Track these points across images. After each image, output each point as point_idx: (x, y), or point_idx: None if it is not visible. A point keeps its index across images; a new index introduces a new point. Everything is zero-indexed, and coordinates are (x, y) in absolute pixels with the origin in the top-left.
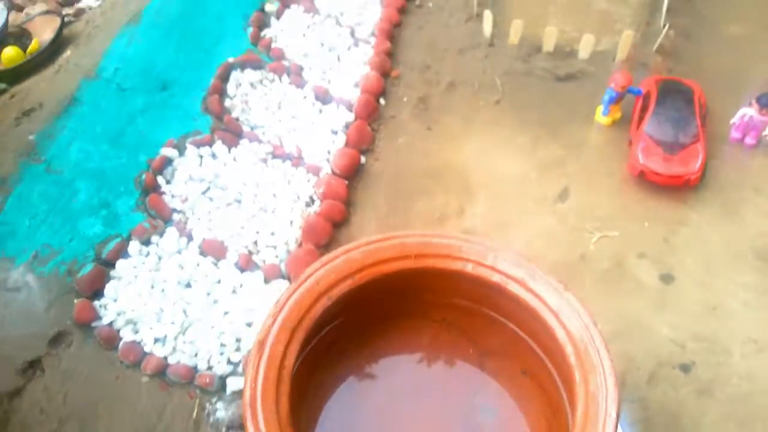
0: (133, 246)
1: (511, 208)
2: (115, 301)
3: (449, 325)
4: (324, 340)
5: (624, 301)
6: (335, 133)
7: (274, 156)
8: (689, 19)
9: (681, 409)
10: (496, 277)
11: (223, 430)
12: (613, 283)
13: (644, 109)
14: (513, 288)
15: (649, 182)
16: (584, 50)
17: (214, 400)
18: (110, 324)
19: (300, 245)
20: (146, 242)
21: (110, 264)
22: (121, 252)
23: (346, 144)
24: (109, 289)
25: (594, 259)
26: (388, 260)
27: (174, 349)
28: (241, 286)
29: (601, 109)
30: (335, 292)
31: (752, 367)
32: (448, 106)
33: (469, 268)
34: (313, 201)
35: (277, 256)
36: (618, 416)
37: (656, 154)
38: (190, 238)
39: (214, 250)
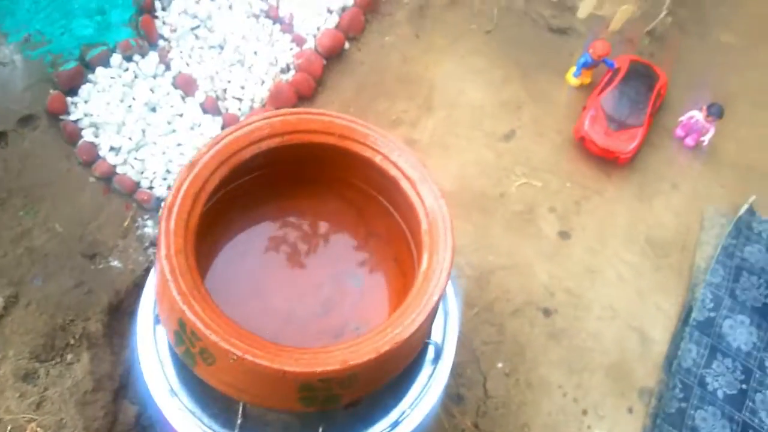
0: (116, 58)
1: (459, 132)
2: (86, 102)
3: (350, 203)
4: (243, 186)
5: (521, 243)
6: (330, 12)
7: (267, 15)
8: (691, 13)
9: (529, 344)
10: (393, 172)
11: (147, 244)
12: (518, 224)
13: (609, 83)
14: (404, 185)
15: (586, 149)
16: (584, 10)
17: (146, 217)
18: (76, 121)
19: (264, 106)
20: (128, 58)
21: (91, 68)
22: (104, 60)
23: (337, 26)
24: (84, 90)
25: (511, 199)
26: (317, 132)
27: (125, 161)
28: (199, 125)
29: (574, 69)
30: (265, 145)
31: (601, 330)
32: (443, 21)
33: (378, 159)
34: (288, 69)
35: (240, 109)
36: (439, 298)
37: (601, 125)
38: (168, 67)
39: (185, 85)
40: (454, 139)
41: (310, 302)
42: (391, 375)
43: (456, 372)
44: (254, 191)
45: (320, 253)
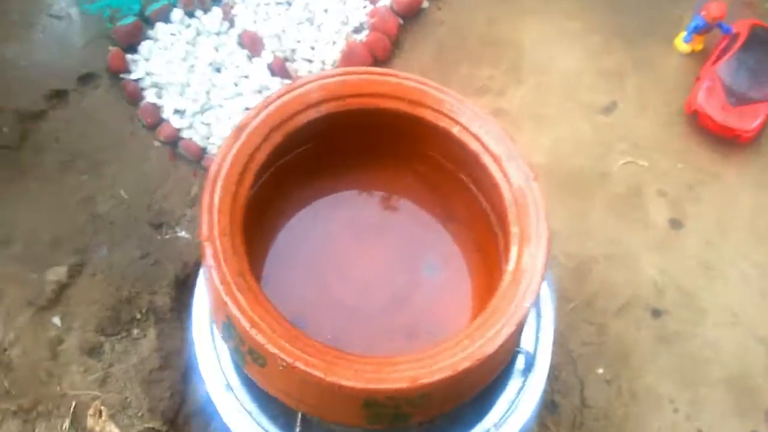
0: (177, 13)
1: (552, 102)
2: (147, 60)
3: (424, 178)
4: (300, 156)
5: (626, 230)
6: None
7: None
8: None
9: (635, 348)
10: (474, 145)
11: None
12: (622, 209)
13: (727, 50)
14: (486, 161)
15: (700, 125)
16: None
17: None
18: (138, 81)
19: (336, 68)
20: (190, 14)
21: (151, 23)
22: (164, 15)
23: None
24: (144, 47)
25: (614, 181)
26: (383, 96)
27: (191, 125)
28: (268, 88)
29: (684, 34)
30: (324, 108)
31: (720, 338)
32: None
33: (456, 130)
34: (362, 28)
35: (310, 71)
36: (531, 305)
37: (718, 99)
38: (232, 24)
39: (252, 44)
40: (547, 110)
41: (379, 294)
42: (472, 393)
43: (550, 375)
44: (313, 162)
45: (391, 236)
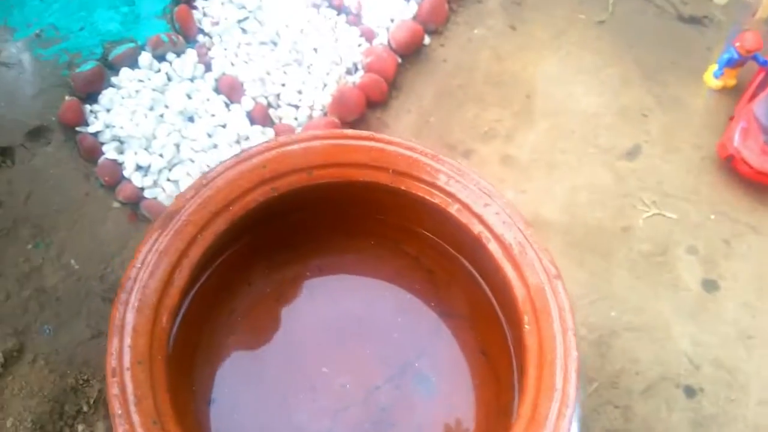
0: (145, 57)
1: (568, 147)
2: (108, 111)
3: (417, 263)
4: (256, 244)
5: (652, 295)
6: (407, 0)
7: (330, 5)
8: None
9: None
10: (477, 229)
11: None
12: (648, 270)
13: (763, 85)
14: (493, 249)
15: (735, 170)
16: None
17: None
18: (96, 134)
19: (325, 114)
20: (160, 57)
21: (114, 69)
22: (130, 60)
23: (415, 17)
24: (105, 96)
25: (638, 236)
26: (360, 165)
27: (155, 183)
28: (247, 138)
29: (714, 68)
30: (283, 185)
31: (764, 418)
32: (544, 10)
33: (454, 209)
34: (356, 69)
35: (296, 118)
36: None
37: (755, 141)
38: (208, 67)
39: (230, 89)
40: (561, 156)
41: (356, 415)
42: None
43: None
44: (273, 249)
45: (373, 338)
